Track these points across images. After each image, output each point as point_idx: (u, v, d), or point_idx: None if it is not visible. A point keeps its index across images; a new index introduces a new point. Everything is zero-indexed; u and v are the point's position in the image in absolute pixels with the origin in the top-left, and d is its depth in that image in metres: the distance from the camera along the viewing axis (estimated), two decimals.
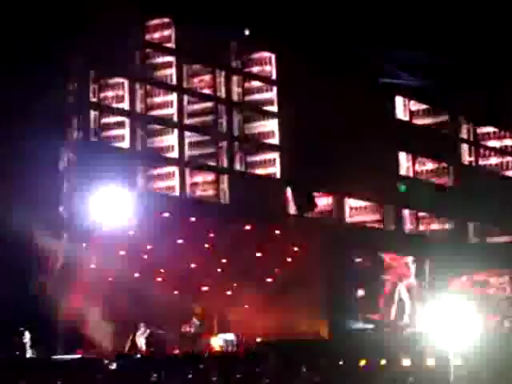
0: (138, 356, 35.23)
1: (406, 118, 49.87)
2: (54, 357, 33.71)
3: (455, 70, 48.60)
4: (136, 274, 40.44)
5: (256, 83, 44.45)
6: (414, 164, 49.58)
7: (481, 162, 53.24)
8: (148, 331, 37.60)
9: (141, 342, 37.63)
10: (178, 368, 32.14)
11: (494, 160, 53.83)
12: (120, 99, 40.15)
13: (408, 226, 48.99)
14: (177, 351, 37.28)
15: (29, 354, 34.64)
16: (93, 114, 39.19)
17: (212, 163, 42.47)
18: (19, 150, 34.13)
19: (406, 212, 48.98)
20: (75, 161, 37.45)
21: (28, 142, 34.09)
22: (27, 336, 34.55)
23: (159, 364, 32.64)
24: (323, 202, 45.93)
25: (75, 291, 36.37)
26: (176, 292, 40.37)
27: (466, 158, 52.52)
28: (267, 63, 44.44)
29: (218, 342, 38.91)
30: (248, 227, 41.71)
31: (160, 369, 31.70)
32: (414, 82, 48.11)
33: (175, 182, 41.14)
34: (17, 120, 34.62)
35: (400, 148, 48.84)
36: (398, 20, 45.81)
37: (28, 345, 34.53)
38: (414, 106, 50.37)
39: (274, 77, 44.31)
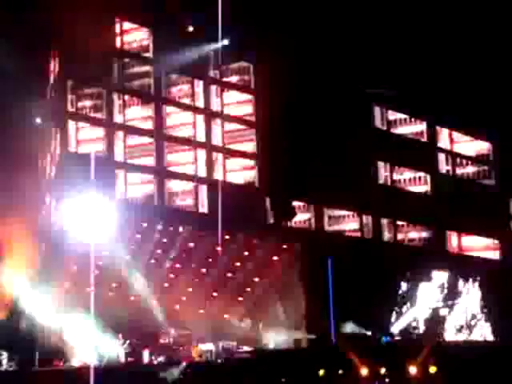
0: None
1: (384, 128, 50.05)
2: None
3: (431, 78, 48.96)
4: (114, 285, 40.35)
5: (234, 93, 44.50)
6: (391, 173, 49.74)
7: (458, 171, 53.54)
8: (127, 342, 37.58)
9: (120, 352, 37.56)
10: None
11: (470, 169, 54.21)
12: (98, 109, 40.05)
13: (386, 235, 49.12)
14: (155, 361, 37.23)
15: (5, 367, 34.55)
16: (71, 123, 39.07)
17: (191, 172, 42.42)
18: None
19: (384, 221, 49.09)
20: (55, 171, 37.36)
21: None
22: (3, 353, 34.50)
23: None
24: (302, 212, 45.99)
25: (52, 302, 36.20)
26: (155, 302, 40.26)
27: (444, 167, 52.78)
28: (245, 73, 44.53)
29: (197, 351, 38.88)
30: (227, 236, 41.67)
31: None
32: (392, 92, 48.33)
33: (153, 190, 41.06)
34: None
35: (378, 157, 48.99)
36: (377, 31, 46.11)
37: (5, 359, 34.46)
38: (392, 115, 50.58)
39: (252, 86, 44.39)
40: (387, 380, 33.60)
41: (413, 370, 33.31)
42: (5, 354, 34.86)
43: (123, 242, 38.09)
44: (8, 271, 34.21)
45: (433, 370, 33.50)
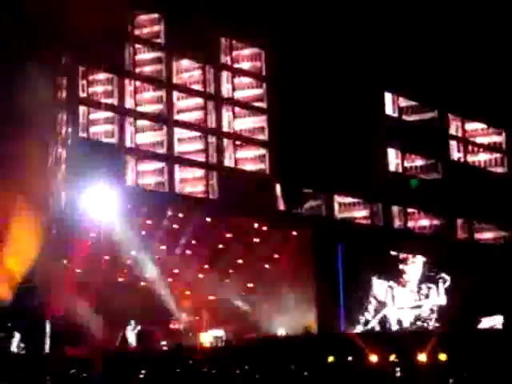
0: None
1: (395, 115, 49.85)
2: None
3: (444, 66, 48.72)
4: (124, 270, 40.52)
5: (246, 79, 44.42)
6: (402, 160, 49.58)
7: (469, 159, 53.29)
8: (138, 327, 37.75)
9: (131, 337, 37.75)
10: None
11: (482, 156, 53.91)
12: (109, 95, 40.08)
13: (397, 223, 49.01)
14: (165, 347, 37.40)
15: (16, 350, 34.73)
16: (82, 109, 39.13)
17: (201, 159, 42.43)
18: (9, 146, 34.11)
19: (395, 208, 48.98)
20: (65, 156, 37.45)
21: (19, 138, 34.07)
22: (16, 335, 34.64)
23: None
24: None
25: (64, 288, 36.38)
26: (166, 289, 40.40)
27: (455, 155, 52.57)
28: (257, 59, 44.41)
29: (207, 338, 39.00)
30: (237, 223, 41.72)
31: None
32: (404, 79, 48.12)
33: (164, 177, 41.10)
34: (7, 115, 34.57)
35: (389, 144, 48.84)
36: (387, 18, 45.90)
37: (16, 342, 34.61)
38: (404, 102, 50.35)
39: (263, 73, 44.28)
40: (397, 368, 33.57)
41: (422, 357, 33.26)
42: (17, 337, 35.00)
43: (133, 228, 38.27)
44: (14, 253, 34.27)
45: (443, 357, 33.44)
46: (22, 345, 35.36)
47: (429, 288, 44.48)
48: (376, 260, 43.42)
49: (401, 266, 45.01)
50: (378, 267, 43.50)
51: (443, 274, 44.95)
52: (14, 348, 35.11)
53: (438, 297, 44.12)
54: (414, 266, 44.96)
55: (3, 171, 33.68)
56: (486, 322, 44.46)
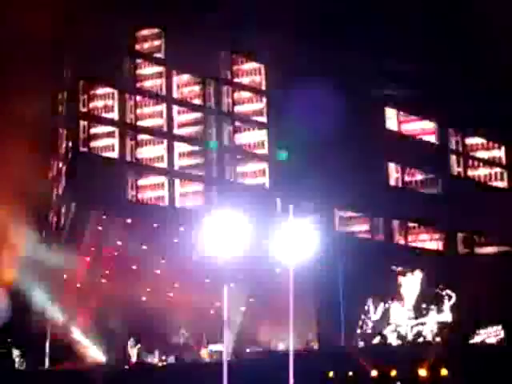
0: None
1: (396, 129, 49.89)
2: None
3: (444, 81, 48.79)
4: (124, 285, 40.40)
5: (246, 93, 44.50)
6: (403, 175, 49.59)
7: (469, 173, 53.30)
8: (138, 344, 37.68)
9: (133, 352, 37.64)
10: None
11: (482, 171, 53.92)
12: (109, 109, 40.15)
13: (397, 237, 48.98)
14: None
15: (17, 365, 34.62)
16: (82, 124, 39.18)
17: (201, 173, 42.43)
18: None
19: (395, 223, 48.93)
20: (64, 171, 37.48)
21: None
22: (15, 352, 34.56)
23: None
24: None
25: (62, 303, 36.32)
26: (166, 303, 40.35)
27: (455, 169, 52.58)
28: (257, 74, 44.52)
29: (207, 352, 38.87)
30: None
31: None
32: (405, 94, 48.19)
33: (164, 192, 41.10)
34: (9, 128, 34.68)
35: (389, 159, 48.86)
36: (389, 32, 45.97)
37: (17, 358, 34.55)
38: (404, 117, 50.41)
39: (263, 87, 44.37)
40: (398, 383, 33.43)
41: (423, 372, 33.11)
42: (16, 352, 34.91)
43: (136, 241, 38.29)
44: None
45: (444, 372, 33.29)
46: (22, 360, 35.24)
47: (430, 304, 44.30)
48: (375, 275, 43.27)
49: (399, 282, 44.93)
50: (377, 282, 43.35)
51: (448, 291, 44.82)
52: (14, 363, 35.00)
53: (441, 313, 43.91)
54: (413, 282, 44.85)
55: (3, 184, 33.71)
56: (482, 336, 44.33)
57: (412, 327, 42.79)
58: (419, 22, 46.57)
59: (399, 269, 44.46)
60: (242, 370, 33.05)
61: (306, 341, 40.27)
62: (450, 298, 44.27)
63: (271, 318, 40.98)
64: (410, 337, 42.31)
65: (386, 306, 43.13)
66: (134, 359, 37.34)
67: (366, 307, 42.62)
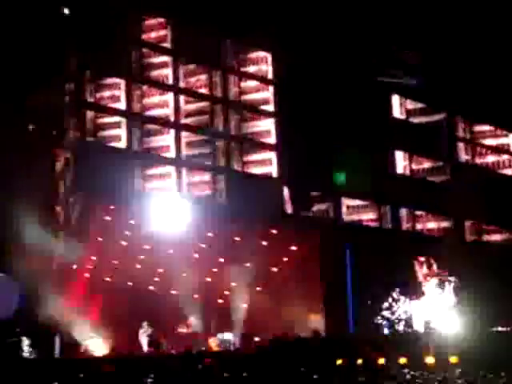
0: None
1: (403, 117, 49.85)
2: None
3: (451, 68, 48.66)
4: (132, 275, 40.50)
5: (252, 82, 44.44)
6: (410, 163, 49.57)
7: (477, 161, 53.25)
8: (150, 330, 37.52)
9: (143, 340, 37.61)
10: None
11: (490, 158, 53.85)
12: (116, 99, 40.13)
13: (405, 225, 48.98)
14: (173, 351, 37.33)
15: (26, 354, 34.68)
16: (89, 114, 39.18)
17: (209, 163, 42.43)
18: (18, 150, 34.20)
19: (403, 211, 48.95)
20: (72, 161, 37.47)
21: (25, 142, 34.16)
22: (25, 340, 34.62)
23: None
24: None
25: (72, 292, 36.40)
26: (174, 291, 40.42)
27: (463, 157, 52.53)
28: (263, 62, 44.44)
29: (215, 341, 38.91)
30: (245, 227, 41.67)
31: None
32: (411, 81, 48.10)
33: (172, 181, 41.12)
34: (15, 118, 34.70)
35: (396, 147, 48.83)
36: (395, 19, 45.86)
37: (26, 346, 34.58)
38: (411, 104, 50.34)
39: (270, 76, 44.30)
40: (406, 370, 33.37)
41: (430, 360, 33.00)
42: (26, 341, 34.96)
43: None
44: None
45: (453, 360, 33.11)
46: (32, 350, 35.28)
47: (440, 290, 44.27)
48: (385, 263, 43.25)
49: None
50: (386, 271, 43.33)
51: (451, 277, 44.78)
52: (24, 353, 35.05)
53: (447, 298, 43.87)
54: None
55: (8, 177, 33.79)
56: None
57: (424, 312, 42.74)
58: (426, 9, 46.47)
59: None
60: (251, 358, 33.24)
61: (313, 329, 40.26)
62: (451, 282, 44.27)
63: (278, 307, 41.15)
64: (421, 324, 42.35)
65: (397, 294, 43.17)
66: (145, 348, 37.32)
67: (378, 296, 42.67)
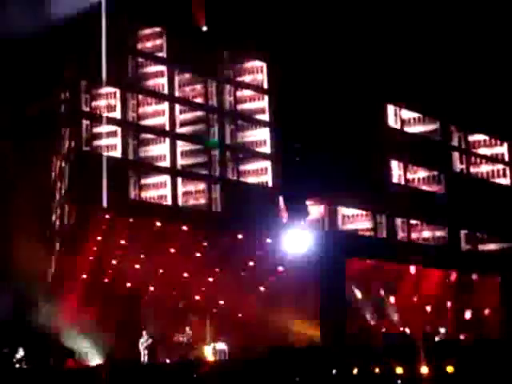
0: None
1: (398, 126, 49.92)
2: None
3: (445, 77, 48.79)
4: (128, 284, 40.54)
5: (248, 92, 44.53)
6: (405, 172, 49.62)
7: (472, 170, 53.31)
8: (150, 340, 37.37)
9: (143, 350, 37.49)
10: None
11: (485, 168, 53.92)
12: (112, 108, 40.16)
13: (400, 234, 49.00)
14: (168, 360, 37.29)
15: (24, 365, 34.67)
16: (85, 123, 39.19)
17: (204, 172, 42.47)
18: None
19: (398, 220, 48.98)
20: (67, 170, 37.50)
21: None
22: (20, 351, 34.58)
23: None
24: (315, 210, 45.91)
25: (68, 301, 36.42)
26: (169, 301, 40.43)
27: (458, 166, 52.60)
28: (259, 72, 44.54)
29: (209, 351, 38.89)
30: (240, 236, 41.70)
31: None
32: (406, 90, 48.21)
33: (167, 191, 41.12)
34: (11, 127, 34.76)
35: (391, 156, 48.89)
36: (389, 28, 46.00)
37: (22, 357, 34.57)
38: (406, 114, 50.44)
39: (265, 86, 44.40)
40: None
41: (424, 369, 32.90)
42: (20, 352, 34.93)
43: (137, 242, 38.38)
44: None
45: (450, 369, 32.96)
46: (26, 359, 35.24)
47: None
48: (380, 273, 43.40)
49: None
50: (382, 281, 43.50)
51: None
52: (18, 363, 35.01)
53: None
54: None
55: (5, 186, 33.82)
56: None
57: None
58: (419, 18, 46.63)
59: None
60: (246, 367, 33.16)
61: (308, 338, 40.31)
62: None
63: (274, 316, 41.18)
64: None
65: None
66: (145, 358, 37.10)
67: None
